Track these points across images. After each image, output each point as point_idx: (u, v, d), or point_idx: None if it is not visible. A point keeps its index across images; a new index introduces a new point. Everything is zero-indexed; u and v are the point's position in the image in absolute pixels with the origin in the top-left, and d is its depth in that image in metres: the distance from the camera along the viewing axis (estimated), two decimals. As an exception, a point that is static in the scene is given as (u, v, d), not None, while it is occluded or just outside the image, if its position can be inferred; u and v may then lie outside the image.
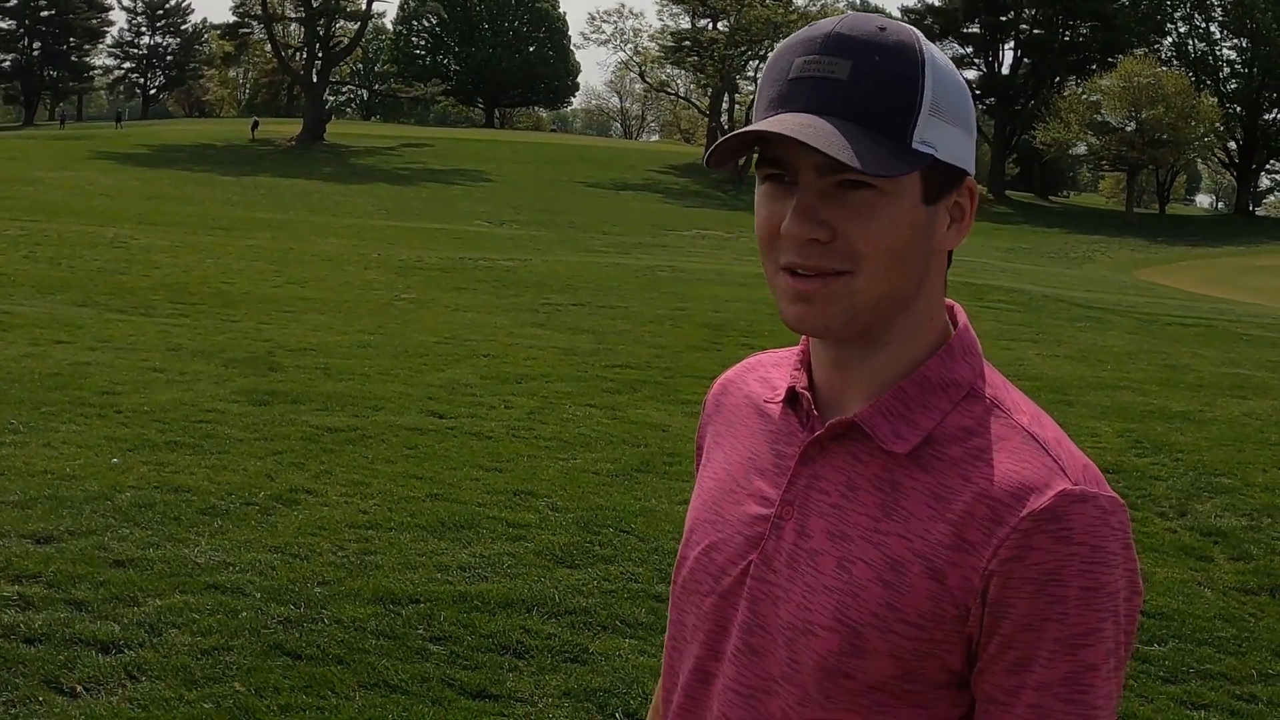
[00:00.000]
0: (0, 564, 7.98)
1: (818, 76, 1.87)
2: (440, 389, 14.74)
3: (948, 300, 2.06)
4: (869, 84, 1.85)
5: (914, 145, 1.86)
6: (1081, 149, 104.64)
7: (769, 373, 2.25)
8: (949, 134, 1.91)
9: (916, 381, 1.96)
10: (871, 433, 1.95)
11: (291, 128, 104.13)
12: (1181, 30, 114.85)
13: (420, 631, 7.42)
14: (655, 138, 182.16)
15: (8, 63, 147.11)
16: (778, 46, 1.98)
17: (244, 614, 7.44)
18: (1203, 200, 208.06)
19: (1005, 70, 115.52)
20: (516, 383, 15.54)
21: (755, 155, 1.98)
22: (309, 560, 8.48)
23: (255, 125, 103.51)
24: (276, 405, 13.28)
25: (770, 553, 2.01)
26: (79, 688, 6.38)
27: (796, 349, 2.17)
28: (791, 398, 2.11)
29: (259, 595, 7.76)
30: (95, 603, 7.44)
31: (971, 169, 1.96)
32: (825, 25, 1.92)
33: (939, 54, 1.93)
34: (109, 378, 14.18)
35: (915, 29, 1.93)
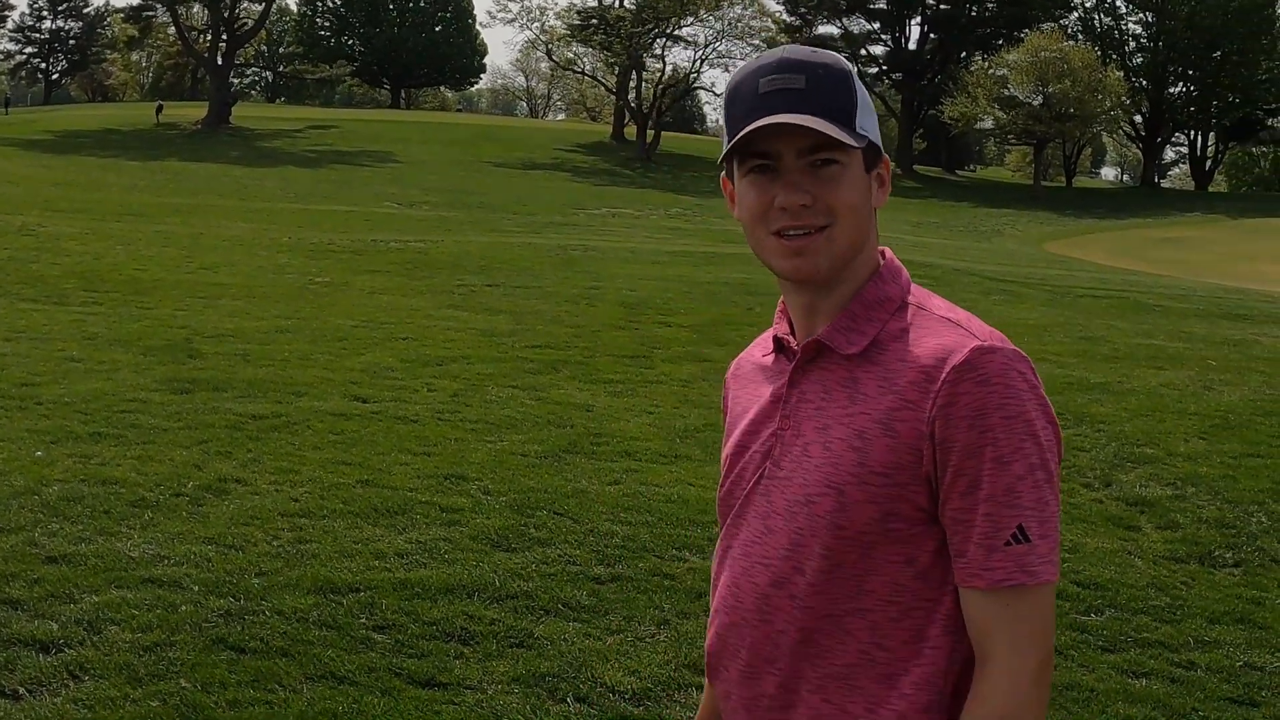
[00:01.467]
0: (-71, 561, 7.86)
1: (784, 89, 2.56)
2: (362, 373, 14.64)
3: (881, 246, 2.76)
4: (823, 89, 2.57)
5: (859, 129, 2.59)
6: (988, 123, 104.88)
7: (764, 341, 2.93)
8: (872, 123, 2.65)
9: (859, 302, 2.64)
10: (832, 345, 2.62)
11: (197, 111, 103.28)
12: (1088, 5, 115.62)
13: (363, 621, 7.33)
14: (562, 116, 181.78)
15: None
16: (734, 77, 2.68)
17: (183, 608, 7.34)
18: (1108, 173, 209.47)
19: (912, 45, 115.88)
20: (437, 365, 15.46)
21: (725, 151, 2.66)
22: (244, 551, 8.38)
23: (159, 109, 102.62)
24: (199, 393, 13.14)
25: (778, 456, 2.68)
26: (21, 690, 6.26)
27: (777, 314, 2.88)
28: (779, 345, 2.80)
29: (197, 589, 7.66)
30: (30, 601, 7.31)
31: (884, 152, 2.72)
32: (774, 54, 2.65)
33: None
34: (26, 369, 13.99)
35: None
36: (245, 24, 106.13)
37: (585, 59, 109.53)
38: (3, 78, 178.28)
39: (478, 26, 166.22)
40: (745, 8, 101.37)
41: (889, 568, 2.53)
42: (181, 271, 24.57)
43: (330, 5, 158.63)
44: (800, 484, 2.60)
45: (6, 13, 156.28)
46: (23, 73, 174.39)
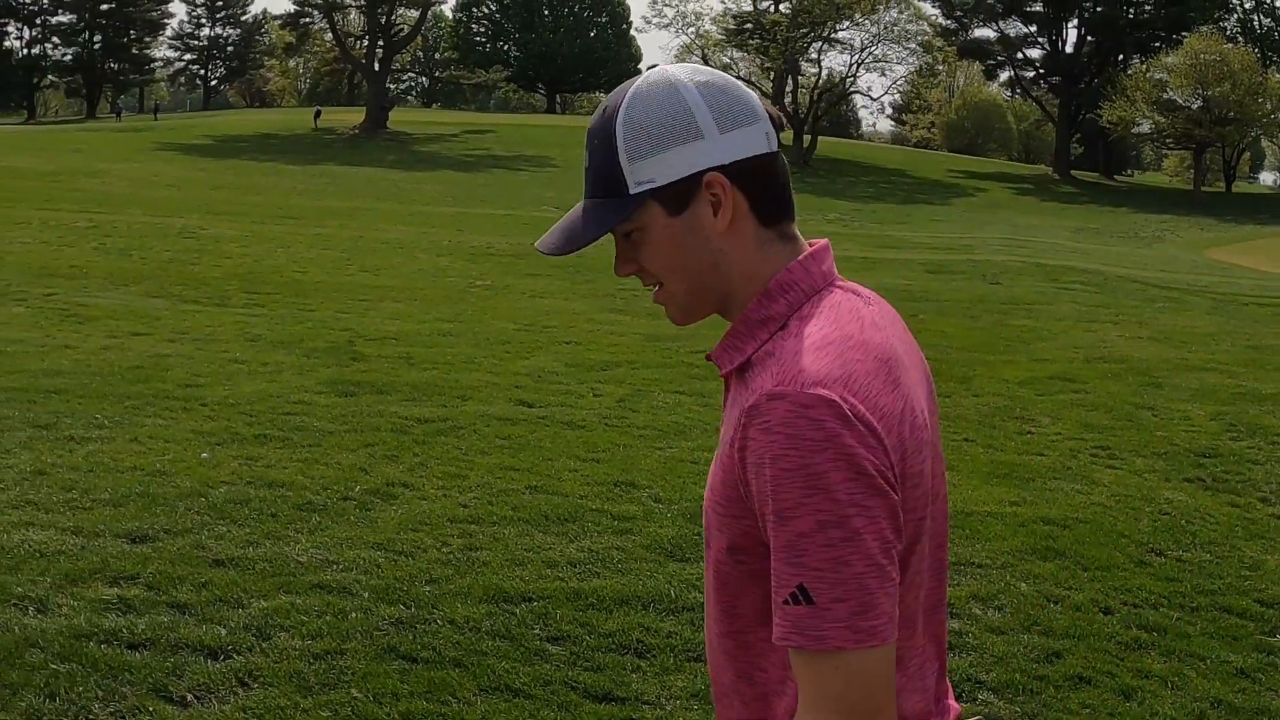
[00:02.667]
0: (97, 565, 7.74)
1: (585, 167, 2.50)
2: (527, 377, 14.51)
3: (817, 242, 2.57)
4: (594, 163, 2.45)
5: (634, 191, 2.38)
6: (1146, 127, 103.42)
7: None
8: (661, 161, 2.36)
9: (742, 321, 2.44)
10: (716, 363, 2.49)
11: (354, 116, 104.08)
12: (1247, 6, 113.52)
13: (537, 631, 7.13)
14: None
15: (69, 56, 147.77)
16: None
17: (353, 615, 7.18)
18: (1266, 178, 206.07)
19: (1069, 48, 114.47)
20: (602, 370, 15.31)
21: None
22: (414, 557, 8.22)
23: (318, 114, 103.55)
24: (363, 396, 13.07)
25: None
26: (189, 696, 6.12)
27: None
28: None
29: (367, 595, 7.50)
30: (198, 605, 7.18)
31: (708, 164, 2.36)
32: (591, 121, 2.51)
33: (652, 96, 2.40)
34: (190, 370, 14.00)
35: (638, 84, 2.44)
36: (401, 30, 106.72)
37: (741, 64, 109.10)
38: (162, 84, 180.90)
39: (633, 32, 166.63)
40: (901, 11, 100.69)
41: (749, 596, 2.40)
42: (342, 274, 24.67)
43: (485, 11, 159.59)
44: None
45: (166, 20, 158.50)
46: (181, 79, 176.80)
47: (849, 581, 2.13)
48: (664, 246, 2.41)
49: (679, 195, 2.37)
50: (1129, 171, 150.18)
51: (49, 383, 12.89)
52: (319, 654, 6.64)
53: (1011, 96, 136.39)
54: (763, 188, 2.42)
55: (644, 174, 2.36)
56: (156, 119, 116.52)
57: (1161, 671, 7.11)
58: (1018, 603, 8.03)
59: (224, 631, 6.83)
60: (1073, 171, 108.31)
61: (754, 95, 2.45)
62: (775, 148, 2.44)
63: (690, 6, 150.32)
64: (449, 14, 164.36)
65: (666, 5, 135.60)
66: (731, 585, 2.41)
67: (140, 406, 12.08)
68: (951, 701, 2.61)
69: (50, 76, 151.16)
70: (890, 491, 2.19)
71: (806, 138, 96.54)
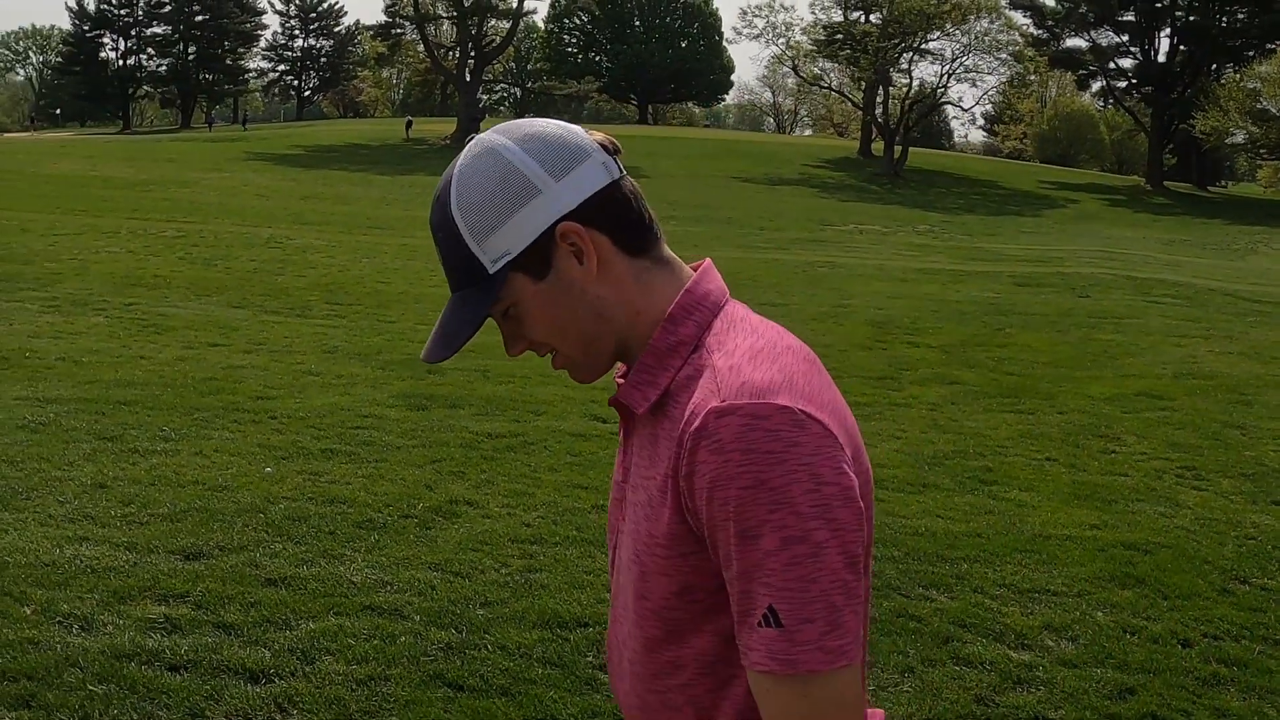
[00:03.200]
0: (147, 582, 7.61)
1: (440, 260, 2.36)
2: (603, 392, 14.24)
3: (700, 263, 2.42)
4: (445, 256, 2.31)
5: (494, 270, 2.25)
6: (1240, 138, 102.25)
7: None
8: (507, 231, 2.24)
9: (650, 353, 2.29)
10: (627, 403, 2.32)
11: (445, 127, 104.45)
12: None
13: (589, 660, 6.92)
14: (809, 132, 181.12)
15: (164, 67, 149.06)
16: None
17: (402, 639, 6.99)
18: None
19: (1162, 58, 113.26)
20: (680, 384, 15.05)
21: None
22: (470, 579, 8.03)
23: (409, 124, 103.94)
24: (435, 410, 12.92)
25: (624, 511, 2.42)
26: (226, 722, 5.96)
27: None
28: None
29: (418, 618, 7.31)
30: (245, 626, 7.03)
31: (556, 215, 2.24)
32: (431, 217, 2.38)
33: (479, 168, 2.27)
34: (263, 381, 13.91)
35: (464, 162, 2.31)
36: (493, 41, 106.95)
37: (832, 74, 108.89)
38: (256, 95, 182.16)
39: (724, 42, 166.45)
40: (992, 21, 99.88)
41: (698, 640, 2.26)
42: (426, 285, 24.57)
43: (577, 22, 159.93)
44: (625, 547, 2.40)
45: (259, 31, 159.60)
46: (275, 90, 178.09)
47: (816, 600, 2.04)
48: (543, 313, 2.32)
49: (539, 258, 2.27)
50: (1223, 182, 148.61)
51: (120, 394, 12.83)
52: (363, 679, 6.45)
53: (1104, 107, 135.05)
54: (617, 220, 2.31)
55: (496, 249, 2.26)
56: (245, 129, 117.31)
57: (1240, 710, 6.82)
58: (1093, 634, 7.76)
59: (268, 654, 6.67)
60: (1165, 183, 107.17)
61: (576, 130, 2.34)
62: (617, 174, 2.31)
63: (780, 17, 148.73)
64: (541, 25, 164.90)
65: (756, 16, 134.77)
66: (681, 632, 2.27)
67: (209, 419, 11.98)
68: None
69: (145, 87, 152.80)
70: (855, 497, 2.10)
71: (897, 148, 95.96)
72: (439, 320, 2.34)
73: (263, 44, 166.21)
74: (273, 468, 10.39)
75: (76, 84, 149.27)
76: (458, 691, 6.43)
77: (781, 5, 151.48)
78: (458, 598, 7.67)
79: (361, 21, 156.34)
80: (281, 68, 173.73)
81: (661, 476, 2.20)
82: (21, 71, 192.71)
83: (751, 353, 2.19)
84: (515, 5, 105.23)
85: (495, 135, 2.31)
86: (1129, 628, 7.90)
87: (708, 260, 2.44)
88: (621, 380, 2.41)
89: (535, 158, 2.25)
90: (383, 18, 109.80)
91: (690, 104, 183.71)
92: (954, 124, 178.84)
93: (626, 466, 2.42)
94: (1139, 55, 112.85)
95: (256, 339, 16.94)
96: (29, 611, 7.08)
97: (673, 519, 2.17)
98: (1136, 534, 9.91)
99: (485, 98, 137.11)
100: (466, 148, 2.32)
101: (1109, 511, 10.56)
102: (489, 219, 2.25)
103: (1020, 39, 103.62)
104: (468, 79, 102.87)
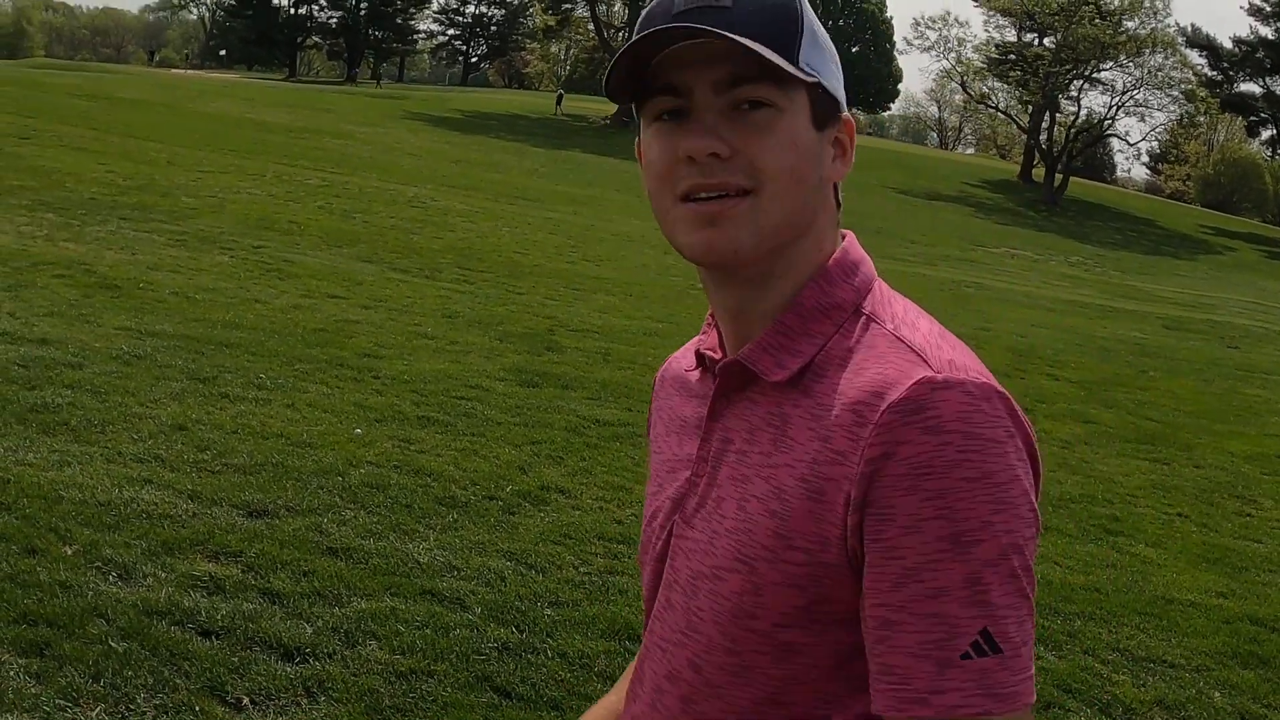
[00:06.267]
0: (202, 535, 7.16)
1: (702, 6, 1.85)
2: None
3: (843, 230, 2.07)
4: (753, 7, 1.85)
5: (801, 64, 1.87)
6: None
7: (693, 346, 2.19)
8: (828, 67, 1.93)
9: (795, 312, 1.93)
10: (755, 369, 1.92)
11: (605, 106, 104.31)
12: None
13: (655, 677, 6.37)
14: (971, 150, 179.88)
15: (334, 20, 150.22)
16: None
17: (456, 632, 6.46)
18: None
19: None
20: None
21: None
22: (545, 573, 7.51)
23: (560, 99, 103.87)
24: (546, 388, 12.47)
25: (688, 510, 2.00)
26: (245, 699, 5.46)
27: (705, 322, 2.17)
28: (701, 360, 2.10)
29: (479, 610, 6.78)
30: (292, 596, 6.53)
31: (846, 110, 1.98)
32: None
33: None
34: (375, 339, 13.52)
35: None
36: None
37: (1000, 94, 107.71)
38: (425, 56, 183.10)
39: (895, 51, 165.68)
40: (1167, 57, 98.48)
41: (814, 673, 1.84)
42: (563, 260, 24.30)
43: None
44: (704, 552, 1.94)
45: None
46: (444, 53, 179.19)
47: (1027, 621, 1.71)
48: (798, 148, 1.89)
49: (825, 112, 1.95)
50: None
51: (225, 335, 12.50)
52: (403, 672, 5.92)
53: (1272, 157, 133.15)
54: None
55: (814, 61, 1.91)
56: (380, 85, 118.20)
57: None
58: (1207, 716, 7.09)
59: (309, 630, 6.17)
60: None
61: None
62: None
63: (954, 32, 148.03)
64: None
65: (930, 28, 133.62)
66: (795, 661, 1.85)
67: (310, 372, 11.59)
68: None
69: (314, 37, 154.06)
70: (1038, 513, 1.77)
71: (1058, 176, 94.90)
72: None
73: (435, 6, 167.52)
74: (363, 429, 9.95)
75: (246, 27, 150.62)
76: (504, 698, 5.88)
77: (956, 20, 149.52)
78: (527, 593, 7.14)
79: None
80: (452, 31, 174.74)
81: (805, 464, 1.80)
82: (194, 10, 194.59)
83: (939, 333, 1.89)
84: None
85: None
86: (1247, 713, 7.24)
87: (850, 233, 2.09)
88: (713, 354, 2.05)
89: (835, 62, 1.98)
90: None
91: (855, 110, 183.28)
92: (1118, 157, 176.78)
93: (704, 456, 2.00)
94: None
95: (378, 295, 16.59)
96: (69, 552, 6.65)
97: (821, 519, 1.77)
98: (1266, 609, 9.21)
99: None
100: None
101: (1238, 580, 9.88)
102: (820, 38, 1.95)
103: (1194, 78, 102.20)
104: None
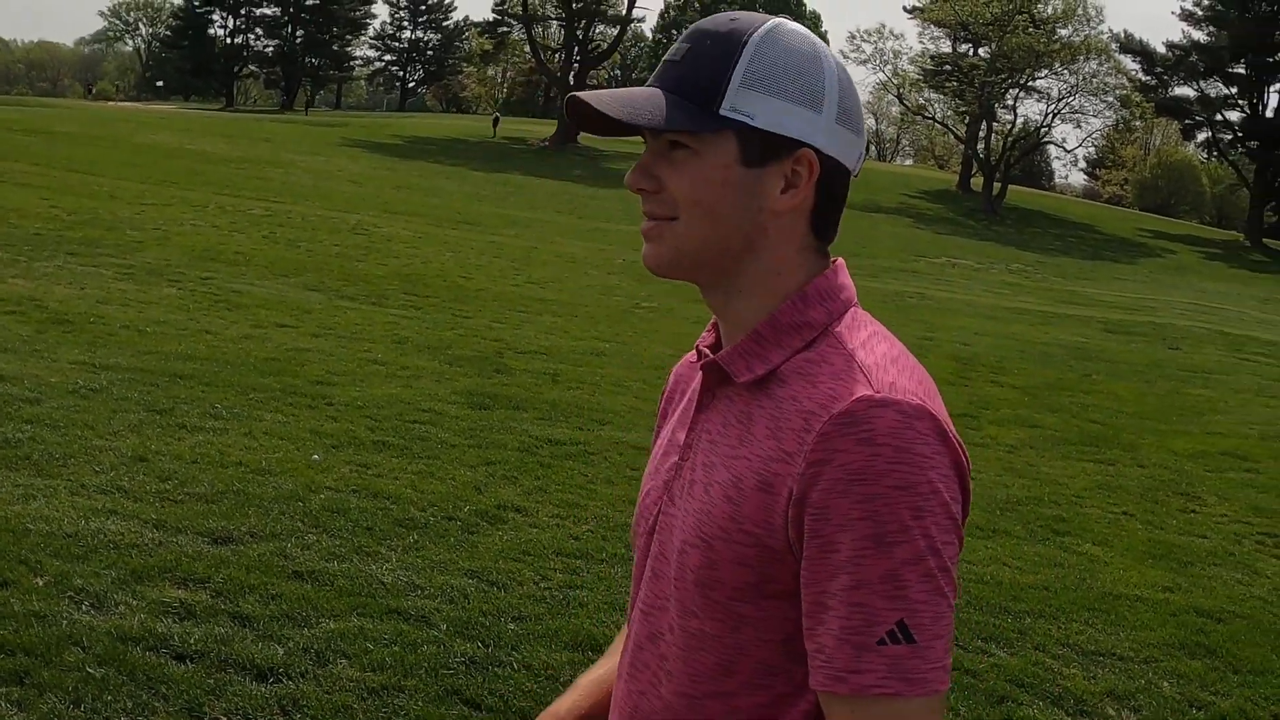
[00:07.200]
0: (169, 563, 7.30)
1: (667, 59, 2.20)
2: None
3: (836, 259, 2.25)
4: (693, 62, 2.14)
5: (722, 112, 2.10)
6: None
7: (699, 344, 2.42)
8: (771, 106, 2.10)
9: (770, 324, 2.14)
10: (728, 370, 2.16)
11: (543, 128, 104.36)
12: None
13: (621, 687, 6.54)
14: (909, 162, 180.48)
15: (270, 48, 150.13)
16: None
17: (424, 648, 6.62)
18: None
19: (1270, 113, 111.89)
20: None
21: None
22: (507, 590, 7.67)
23: (496, 121, 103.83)
24: (497, 410, 12.62)
25: (674, 490, 2.23)
26: (222, 719, 5.60)
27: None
28: (700, 356, 2.33)
29: (445, 627, 6.95)
30: (262, 619, 6.68)
31: (815, 142, 2.13)
32: (703, 21, 2.22)
33: (796, 43, 2.16)
34: (326, 367, 13.65)
35: (784, 23, 2.19)
36: (599, 46, 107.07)
37: (936, 105, 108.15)
38: (361, 83, 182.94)
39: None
40: (1101, 63, 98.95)
41: (761, 647, 2.08)
42: (507, 283, 24.42)
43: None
44: (680, 527, 2.17)
45: (368, 20, 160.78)
46: (380, 79, 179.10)
47: (944, 617, 1.94)
48: (710, 184, 2.14)
49: (764, 148, 2.13)
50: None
51: (179, 367, 12.59)
52: (375, 688, 6.08)
53: (1208, 159, 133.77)
54: (831, 199, 2.21)
55: (745, 105, 2.12)
56: (307, 113, 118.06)
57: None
58: (1156, 705, 7.32)
59: (281, 651, 6.32)
60: (1265, 240, 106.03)
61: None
62: (856, 170, 2.26)
63: (889, 45, 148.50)
64: (649, 34, 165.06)
65: (865, 41, 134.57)
66: (744, 631, 2.09)
67: (264, 400, 11.71)
68: None
69: (250, 66, 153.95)
70: (961, 525, 2.00)
71: (997, 185, 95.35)
72: (624, 90, 2.17)
73: (370, 33, 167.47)
74: (320, 455, 10.08)
75: (182, 58, 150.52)
76: (474, 710, 6.06)
77: (891, 33, 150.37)
78: (490, 609, 7.30)
79: (470, 17, 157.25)
80: (388, 58, 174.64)
81: (760, 459, 2.04)
82: (130, 42, 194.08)
83: (892, 357, 2.10)
84: (624, 11, 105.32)
85: (825, 47, 2.21)
86: (1195, 701, 7.46)
87: (840, 259, 2.30)
88: (709, 352, 2.28)
89: (839, 92, 2.18)
90: (491, 15, 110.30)
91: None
92: (1055, 164, 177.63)
93: (690, 442, 2.26)
94: (1247, 109, 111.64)
95: (327, 323, 16.70)
96: (41, 583, 6.78)
97: (767, 508, 2.01)
98: (1211, 600, 9.45)
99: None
100: (792, 22, 2.22)
101: (1184, 574, 10.11)
102: (767, 82, 2.14)
103: (1128, 83, 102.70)
104: (571, 83, 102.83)
